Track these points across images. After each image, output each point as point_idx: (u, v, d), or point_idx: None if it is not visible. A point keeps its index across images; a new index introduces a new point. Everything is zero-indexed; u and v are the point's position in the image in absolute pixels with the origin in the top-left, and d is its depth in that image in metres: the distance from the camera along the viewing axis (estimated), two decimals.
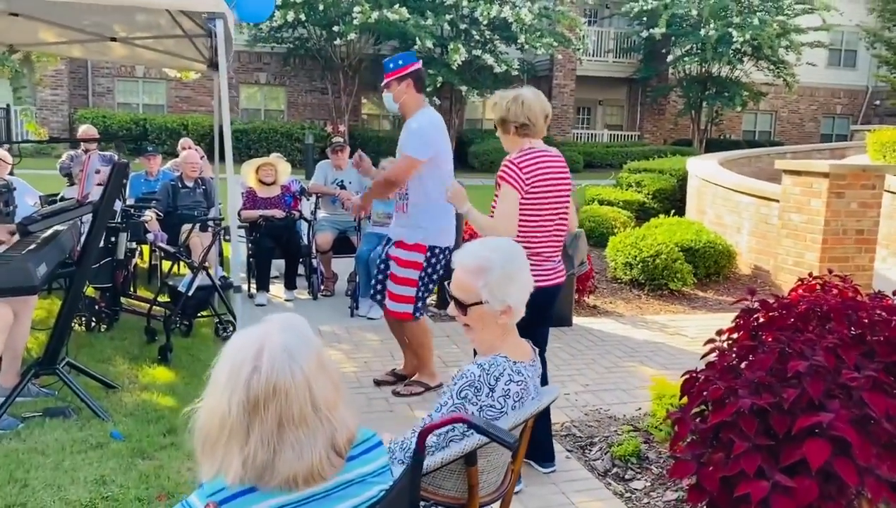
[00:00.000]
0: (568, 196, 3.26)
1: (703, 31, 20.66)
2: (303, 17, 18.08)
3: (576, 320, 6.05)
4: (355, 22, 17.35)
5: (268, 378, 1.25)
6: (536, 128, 3.17)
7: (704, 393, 2.73)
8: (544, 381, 3.39)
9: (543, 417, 3.36)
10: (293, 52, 20.70)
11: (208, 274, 4.83)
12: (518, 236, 3.07)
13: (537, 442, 3.25)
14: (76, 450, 3.36)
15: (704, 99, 22.54)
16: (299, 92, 22.66)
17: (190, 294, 4.76)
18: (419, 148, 3.97)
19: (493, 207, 3.19)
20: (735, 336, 3.15)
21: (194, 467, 2.98)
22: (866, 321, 2.94)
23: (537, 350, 2.11)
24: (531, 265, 3.25)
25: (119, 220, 5.19)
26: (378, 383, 4.43)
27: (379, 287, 4.30)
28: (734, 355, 2.82)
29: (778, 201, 7.30)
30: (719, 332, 3.09)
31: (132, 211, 5.46)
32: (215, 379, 1.30)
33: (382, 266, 4.28)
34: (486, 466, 1.94)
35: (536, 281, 3.26)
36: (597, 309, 6.50)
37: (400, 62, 4.07)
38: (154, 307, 5.07)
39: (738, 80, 22.29)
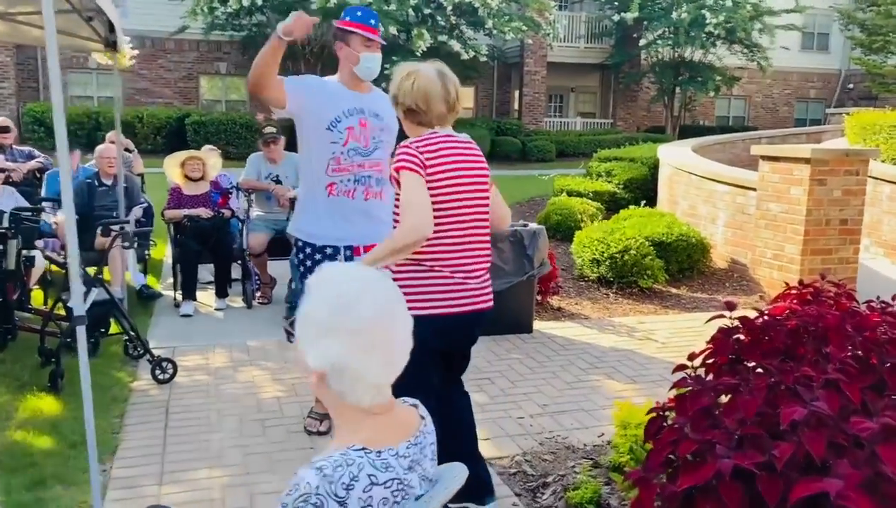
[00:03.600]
0: (486, 191, 2.61)
1: (675, 15, 20.16)
2: (259, 1, 17.29)
3: (537, 325, 5.47)
4: (314, 7, 16.57)
5: None
6: (428, 117, 2.50)
7: (673, 441, 2.16)
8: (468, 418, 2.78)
9: (467, 443, 2.72)
10: (252, 40, 19.86)
11: (105, 288, 4.15)
12: (424, 247, 2.45)
13: (470, 478, 2.62)
14: None
15: (677, 84, 22.05)
16: None
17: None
18: None
19: (396, 213, 2.51)
20: (711, 360, 2.59)
21: None
22: (870, 338, 2.39)
23: (427, 417, 1.48)
24: (446, 286, 2.47)
25: (7, 225, 4.50)
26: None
27: None
28: (710, 390, 2.24)
29: (755, 190, 6.76)
30: (691, 356, 2.51)
31: (26, 214, 4.75)
32: None
33: None
34: None
35: (448, 306, 2.48)
36: (561, 312, 5.93)
37: (372, 21, 3.24)
38: (50, 323, 4.41)
39: (711, 64, 21.82)
